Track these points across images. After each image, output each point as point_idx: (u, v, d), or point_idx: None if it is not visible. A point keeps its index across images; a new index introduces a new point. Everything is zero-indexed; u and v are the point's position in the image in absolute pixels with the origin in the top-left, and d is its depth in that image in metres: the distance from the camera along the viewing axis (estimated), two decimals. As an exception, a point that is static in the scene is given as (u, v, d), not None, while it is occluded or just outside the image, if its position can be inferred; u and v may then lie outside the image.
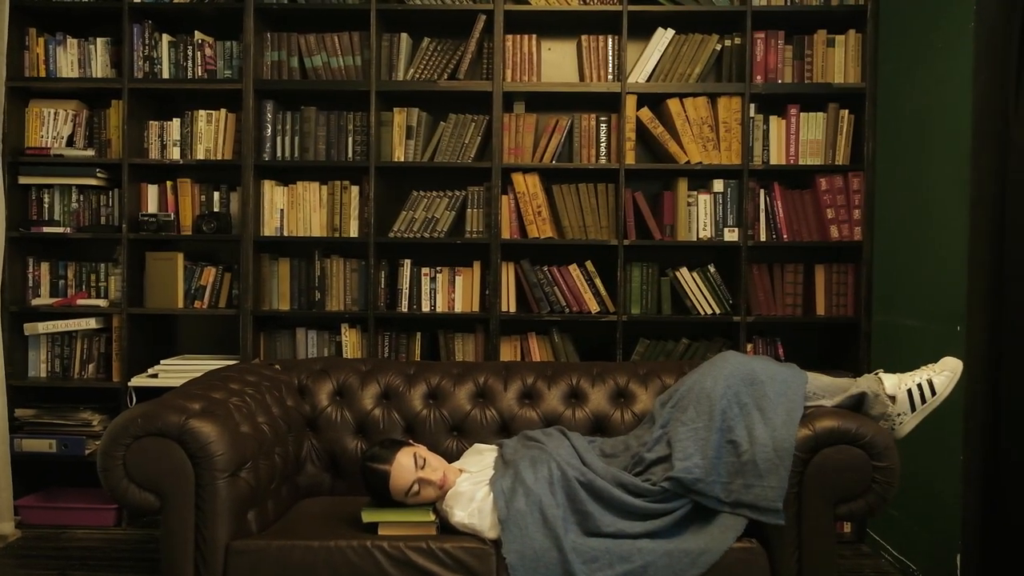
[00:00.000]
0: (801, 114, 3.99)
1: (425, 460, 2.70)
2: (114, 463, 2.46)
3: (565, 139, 4.02)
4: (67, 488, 4.19)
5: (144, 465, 2.47)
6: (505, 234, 3.99)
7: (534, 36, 4.02)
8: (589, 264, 4.02)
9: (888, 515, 3.57)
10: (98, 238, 4.13)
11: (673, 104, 3.94)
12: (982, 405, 3.02)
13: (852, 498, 2.51)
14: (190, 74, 4.08)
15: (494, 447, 2.95)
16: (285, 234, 4.08)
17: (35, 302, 4.14)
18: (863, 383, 2.64)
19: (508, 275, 4.02)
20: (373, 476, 2.69)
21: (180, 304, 4.11)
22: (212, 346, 4.30)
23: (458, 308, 4.04)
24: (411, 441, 2.87)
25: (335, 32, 4.03)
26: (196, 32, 4.09)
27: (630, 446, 2.83)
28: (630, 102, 3.95)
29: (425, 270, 4.05)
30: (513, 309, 4.02)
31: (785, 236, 3.99)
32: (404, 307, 4.05)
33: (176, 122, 4.12)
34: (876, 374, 2.67)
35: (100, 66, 4.12)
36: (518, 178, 3.98)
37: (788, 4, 3.97)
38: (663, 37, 3.97)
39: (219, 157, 4.09)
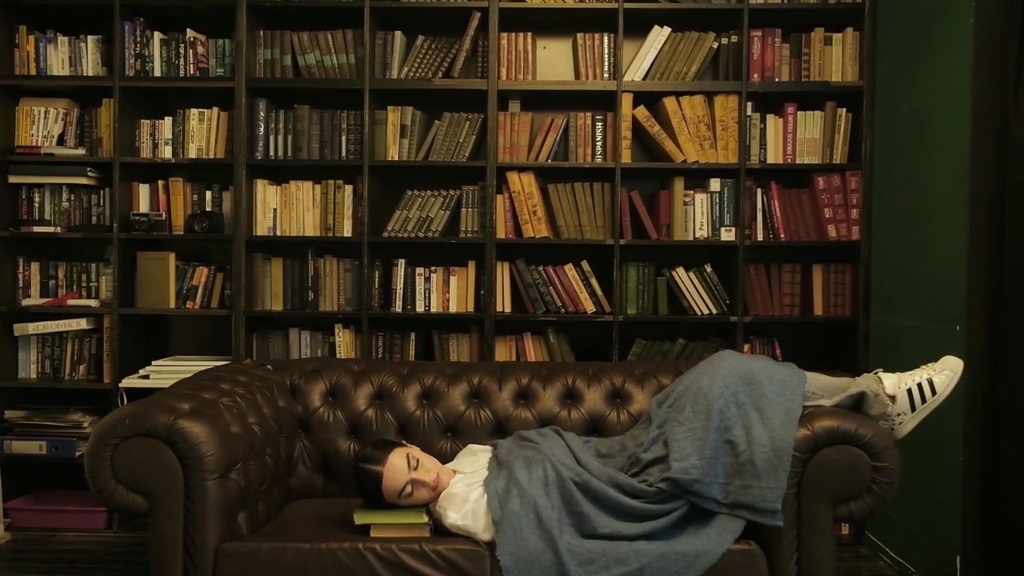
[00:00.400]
0: (798, 113, 3.96)
1: (418, 461, 2.66)
2: (101, 464, 2.42)
3: (561, 138, 3.99)
4: (57, 490, 4.15)
5: (132, 466, 2.42)
6: (500, 234, 3.96)
7: (529, 34, 4.00)
8: (585, 264, 3.99)
9: (887, 517, 3.54)
10: (89, 238, 4.10)
11: (669, 103, 3.91)
12: (982, 405, 2.99)
13: (852, 499, 2.47)
14: (182, 72, 4.05)
15: (488, 448, 2.91)
16: (278, 234, 4.05)
17: (25, 302, 4.10)
18: (862, 382, 2.61)
19: (503, 275, 3.99)
20: (365, 477, 2.65)
21: (172, 304, 4.07)
22: (204, 347, 4.26)
23: (453, 308, 4.01)
24: (404, 442, 2.83)
25: (328, 30, 3.99)
26: (188, 30, 4.05)
27: (626, 446, 2.79)
28: (626, 100, 3.91)
29: (419, 270, 4.02)
30: (508, 309, 3.99)
31: (782, 235, 3.97)
32: (398, 307, 4.02)
33: (168, 121, 4.09)
34: (875, 373, 2.64)
35: (91, 64, 4.08)
36: (513, 177, 3.95)
37: (785, 2, 3.94)
38: (659, 35, 3.94)
39: (211, 156, 4.06)
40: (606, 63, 3.97)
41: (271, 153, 4.04)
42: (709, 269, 3.98)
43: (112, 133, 4.01)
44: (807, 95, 3.97)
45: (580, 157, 3.98)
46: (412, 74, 3.99)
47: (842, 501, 2.48)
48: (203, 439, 2.43)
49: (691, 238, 3.97)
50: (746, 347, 3.95)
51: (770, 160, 3.97)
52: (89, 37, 4.08)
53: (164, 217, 4.07)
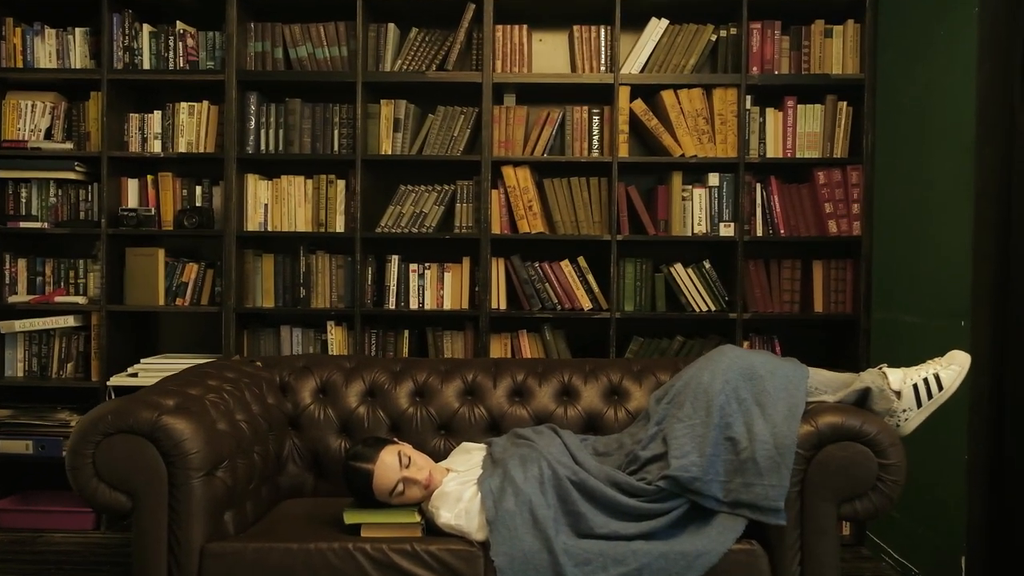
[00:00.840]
0: (798, 106, 3.91)
1: (410, 459, 2.60)
2: (83, 461, 2.35)
3: (557, 132, 3.94)
4: (44, 491, 4.09)
5: (115, 464, 2.35)
6: (495, 229, 3.90)
7: (525, 26, 3.94)
8: (581, 260, 3.93)
9: (889, 516, 3.48)
10: (77, 233, 4.04)
11: (667, 96, 3.85)
12: (987, 401, 2.93)
13: (857, 497, 2.40)
14: (171, 65, 3.99)
15: (483, 446, 2.85)
16: (269, 229, 4.00)
17: (12, 299, 4.04)
18: (867, 378, 2.54)
19: (498, 271, 3.93)
20: (356, 475, 2.58)
21: (161, 301, 4.01)
22: (194, 345, 4.21)
23: (447, 305, 3.96)
24: (396, 439, 2.76)
25: (320, 22, 3.94)
26: (177, 22, 4.00)
27: (624, 444, 2.73)
28: (623, 94, 3.86)
29: (413, 266, 3.97)
30: (503, 306, 3.94)
31: (782, 231, 3.92)
32: (391, 304, 3.97)
33: (157, 114, 4.03)
34: (880, 369, 2.58)
35: (79, 57, 4.02)
36: (508, 172, 3.89)
37: (785, -7, 3.89)
38: (657, 27, 3.89)
39: (201, 150, 4.01)
40: (603, 56, 3.91)
41: (262, 147, 3.99)
42: (708, 265, 3.92)
43: (100, 127, 3.95)
44: (807, 88, 3.92)
45: (576, 151, 3.93)
46: (406, 67, 3.93)
47: (846, 499, 2.41)
48: (188, 436, 2.36)
49: (689, 234, 3.91)
50: (745, 344, 3.89)
51: (769, 154, 3.92)
52: (77, 29, 4.02)
53: (153, 212, 4.01)
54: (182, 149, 4.00)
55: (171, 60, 3.98)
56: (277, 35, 3.97)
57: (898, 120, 3.63)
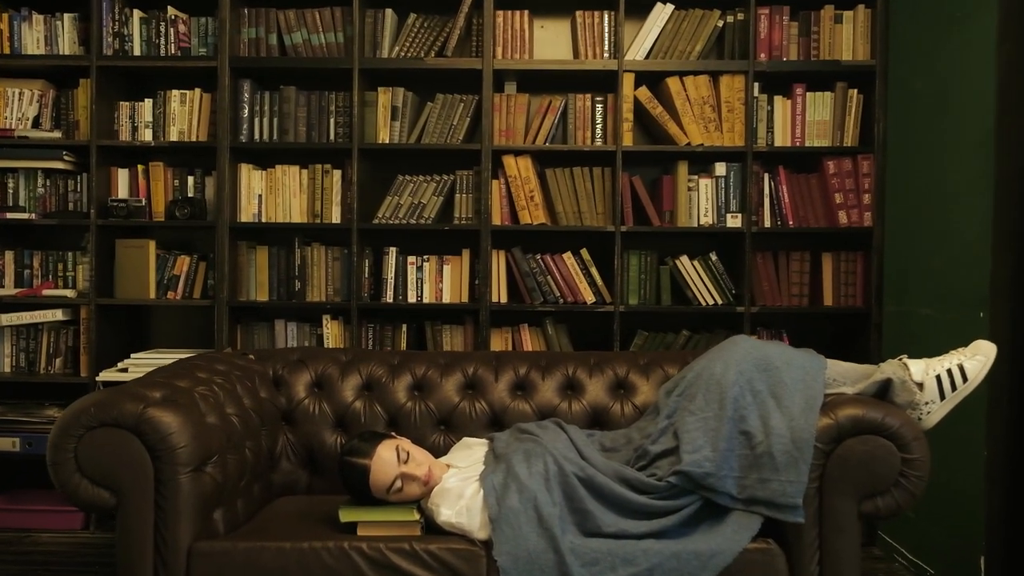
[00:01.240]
0: (807, 93, 3.83)
1: (408, 454, 2.49)
2: (64, 456, 2.23)
3: (559, 120, 3.86)
4: (33, 489, 3.98)
5: (98, 458, 2.24)
6: (495, 220, 3.82)
7: (526, 12, 3.84)
8: (584, 252, 3.85)
9: (903, 515, 3.38)
10: (65, 225, 3.96)
11: (673, 83, 3.76)
12: (1008, 396, 2.83)
13: (878, 493, 2.29)
14: (163, 51, 3.90)
15: (484, 441, 2.75)
16: (263, 220, 3.91)
17: (-2, 292, 3.95)
18: (888, 369, 2.44)
19: (499, 264, 3.85)
20: (351, 471, 2.47)
21: (152, 295, 3.93)
22: (186, 339, 4.12)
23: (446, 298, 3.88)
24: (394, 434, 2.66)
25: (316, 7, 3.85)
26: (169, 7, 3.90)
27: (632, 439, 2.62)
28: (627, 81, 3.77)
29: (411, 258, 3.88)
30: (504, 299, 3.86)
31: (791, 222, 3.83)
32: (389, 297, 3.88)
33: (148, 102, 3.95)
34: (900, 360, 2.47)
35: (67, 43, 3.93)
36: (509, 161, 3.80)
37: (794, -22, 3.80)
38: (662, 12, 3.79)
39: (193, 139, 3.93)
40: (606, 42, 3.82)
41: (256, 136, 3.91)
42: (714, 257, 3.84)
43: (89, 115, 3.86)
44: (816, 75, 3.83)
45: (579, 140, 3.84)
46: (403, 53, 3.84)
47: (868, 496, 2.30)
48: (175, 429, 2.25)
49: (695, 225, 3.83)
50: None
51: (778, 143, 3.83)
52: (65, 15, 3.93)
53: (144, 203, 3.93)
54: (174, 138, 3.92)
55: (162, 46, 3.90)
56: (271, 20, 3.88)
57: (911, 106, 3.53)
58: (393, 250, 3.88)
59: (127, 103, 3.94)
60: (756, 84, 3.79)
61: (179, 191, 3.96)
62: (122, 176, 3.97)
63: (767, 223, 3.82)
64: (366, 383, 3.02)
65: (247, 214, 3.90)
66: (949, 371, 2.38)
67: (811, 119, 3.82)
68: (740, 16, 3.81)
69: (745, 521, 2.32)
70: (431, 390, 3.00)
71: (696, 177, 3.83)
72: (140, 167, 3.97)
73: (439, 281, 3.87)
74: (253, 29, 3.88)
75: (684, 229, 3.82)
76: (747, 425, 2.36)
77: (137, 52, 3.89)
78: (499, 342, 3.86)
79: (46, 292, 3.93)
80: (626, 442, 2.63)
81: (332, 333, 3.89)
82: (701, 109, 3.77)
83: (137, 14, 3.88)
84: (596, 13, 3.81)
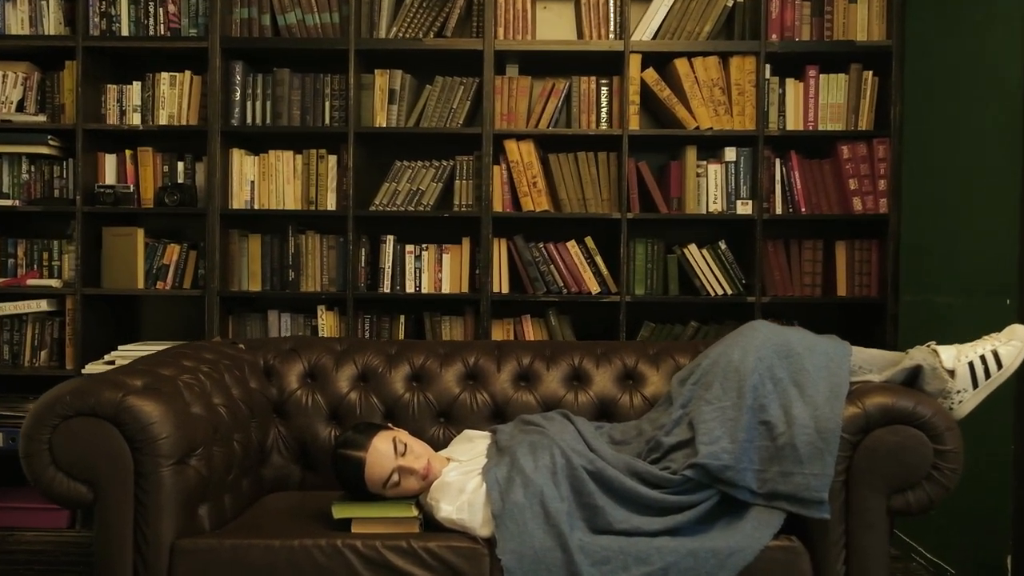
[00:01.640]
0: (821, 75, 3.71)
1: (406, 446, 2.36)
2: (38, 447, 2.09)
3: (562, 104, 3.75)
4: (17, 487, 3.83)
5: (74, 450, 2.11)
6: (497, 207, 3.72)
7: (529, -9, 3.73)
8: (589, 240, 3.74)
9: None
10: (50, 212, 3.86)
11: (681, 64, 3.64)
12: (1037, 387, 2.70)
13: (909, 487, 2.16)
14: (151, 32, 3.79)
15: (487, 433, 2.61)
16: (256, 208, 3.82)
17: (-19, 282, 3.84)
18: (917, 355, 2.30)
19: (500, 252, 3.75)
20: (346, 464, 2.34)
21: (140, 284, 3.83)
22: (176, 331, 4.00)
23: (445, 288, 3.78)
24: (390, 425, 2.53)
25: (311, -14, 3.74)
26: (158, -14, 3.79)
27: (644, 431, 2.49)
28: (634, 62, 3.65)
29: (409, 247, 3.79)
30: (506, 289, 3.76)
31: (803, 209, 3.72)
32: (386, 287, 3.78)
33: (136, 85, 3.84)
34: (929, 346, 2.34)
35: (52, 23, 3.81)
36: (511, 146, 3.69)
37: (806, -45, 3.69)
38: (670, -9, 3.68)
39: (183, 123, 3.82)
40: (612, 22, 3.70)
41: (248, 120, 3.81)
42: (723, 246, 3.73)
43: (75, 98, 3.75)
44: (830, 56, 3.72)
45: (584, 124, 3.73)
46: (401, 34, 3.73)
47: (897, 490, 2.17)
48: (156, 419, 2.11)
49: (704, 212, 3.72)
50: (764, 330, 3.67)
51: (790, 127, 3.73)
52: (51, -6, 3.82)
53: (132, 190, 3.83)
54: (163, 122, 3.81)
55: (151, 27, 3.78)
56: (264, 0, 3.76)
57: (930, 88, 3.42)
58: (390, 238, 3.78)
59: (114, 86, 3.84)
60: (767, 66, 3.67)
61: (168, 177, 3.85)
62: (109, 162, 3.87)
63: (778, 210, 3.71)
64: (362, 373, 2.88)
65: (239, 201, 3.79)
66: (983, 357, 2.24)
67: (824, 102, 3.71)
68: (751, -5, 3.70)
69: (766, 517, 2.19)
70: (430, 381, 2.87)
71: (705, 162, 3.72)
72: (128, 152, 3.86)
73: (438, 270, 3.78)
74: (245, 9, 3.76)
75: (692, 216, 3.72)
76: (767, 415, 2.23)
77: (125, 33, 3.78)
78: (500, 334, 3.76)
79: (31, 282, 3.82)
80: (637, 434, 2.50)
81: (327, 324, 3.78)
82: (710, 92, 3.66)
83: (125, -7, 3.77)
84: (601, -8, 3.70)
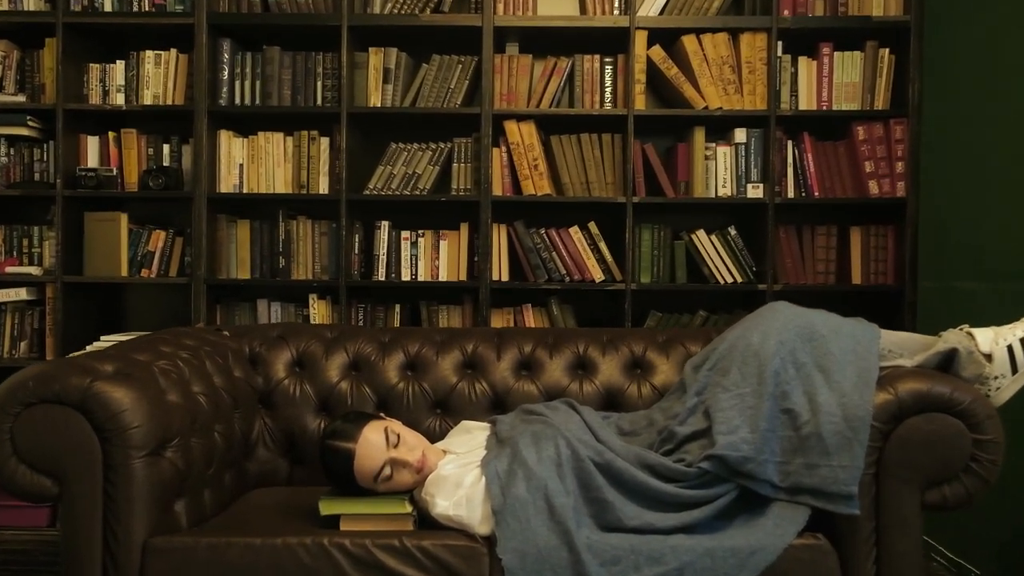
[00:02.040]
0: (835, 53, 3.59)
1: (399, 437, 2.21)
2: (-1, 437, 1.94)
3: (565, 83, 3.62)
4: (-5, 484, 3.69)
5: (37, 440, 1.96)
6: (496, 191, 3.61)
7: (530, -35, 3.61)
8: (592, 226, 3.63)
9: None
10: (30, 196, 3.72)
11: (689, 41, 3.52)
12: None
13: (946, 480, 2.01)
14: (135, 8, 3.67)
15: (486, 425, 2.47)
16: (244, 192, 3.71)
17: (-43, 270, 3.71)
18: (951, 338, 2.15)
19: (500, 238, 3.64)
20: (334, 456, 2.18)
21: (124, 272, 3.71)
22: (161, 320, 3.85)
23: (443, 276, 3.67)
24: (382, 415, 2.37)
25: (302, -41, 3.62)
26: (142, -41, 3.67)
27: (655, 421, 2.34)
28: (640, 39, 3.53)
29: (405, 233, 3.67)
30: (505, 277, 3.65)
31: (816, 193, 3.60)
32: (381, 275, 3.67)
33: (120, 64, 3.71)
34: (963, 329, 2.18)
35: (32, -1, 3.69)
36: (511, 127, 3.57)
37: (820, -73, 3.57)
38: (678, -36, 3.56)
39: (169, 103, 3.70)
40: (617, -3, 3.58)
41: (236, 100, 3.69)
42: (733, 232, 3.61)
43: (56, 77, 3.62)
44: (845, 33, 3.60)
45: (587, 104, 3.61)
46: (397, 10, 3.60)
47: (933, 484, 2.02)
48: (127, 407, 1.96)
49: (713, 196, 3.60)
50: (776, 319, 3.54)
51: (803, 107, 3.60)
52: (30, -32, 3.69)
53: (115, 173, 3.71)
54: (147, 102, 3.69)
55: (135, 2, 3.66)
56: (253, -26, 3.65)
57: (950, 66, 3.30)
58: (385, 224, 3.66)
59: (97, 65, 3.71)
60: (779, 43, 3.55)
61: (153, 160, 3.74)
62: (91, 144, 3.74)
63: (791, 194, 3.60)
64: (353, 362, 2.74)
65: (227, 185, 3.68)
66: (1023, 340, 2.09)
67: (839, 81, 3.59)
68: (762, -31, 3.57)
69: (789, 513, 2.04)
70: (426, 370, 2.72)
71: (714, 144, 3.60)
72: (111, 134, 3.74)
73: (435, 257, 3.67)
74: (233, -17, 3.65)
75: (701, 201, 3.60)
76: (791, 402, 2.08)
77: (108, 8, 3.65)
78: (500, 323, 3.64)
79: (9, 269, 3.70)
80: (648, 424, 2.35)
81: (319, 313, 3.66)
82: (720, 70, 3.53)
83: (108, -34, 3.65)
84: (606, -35, 3.58)
